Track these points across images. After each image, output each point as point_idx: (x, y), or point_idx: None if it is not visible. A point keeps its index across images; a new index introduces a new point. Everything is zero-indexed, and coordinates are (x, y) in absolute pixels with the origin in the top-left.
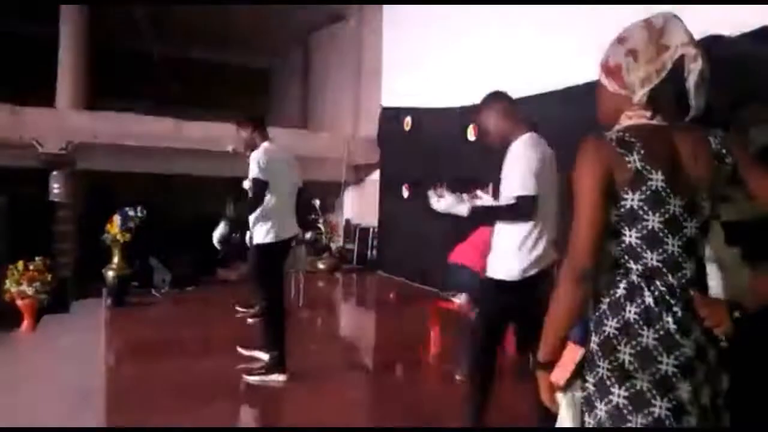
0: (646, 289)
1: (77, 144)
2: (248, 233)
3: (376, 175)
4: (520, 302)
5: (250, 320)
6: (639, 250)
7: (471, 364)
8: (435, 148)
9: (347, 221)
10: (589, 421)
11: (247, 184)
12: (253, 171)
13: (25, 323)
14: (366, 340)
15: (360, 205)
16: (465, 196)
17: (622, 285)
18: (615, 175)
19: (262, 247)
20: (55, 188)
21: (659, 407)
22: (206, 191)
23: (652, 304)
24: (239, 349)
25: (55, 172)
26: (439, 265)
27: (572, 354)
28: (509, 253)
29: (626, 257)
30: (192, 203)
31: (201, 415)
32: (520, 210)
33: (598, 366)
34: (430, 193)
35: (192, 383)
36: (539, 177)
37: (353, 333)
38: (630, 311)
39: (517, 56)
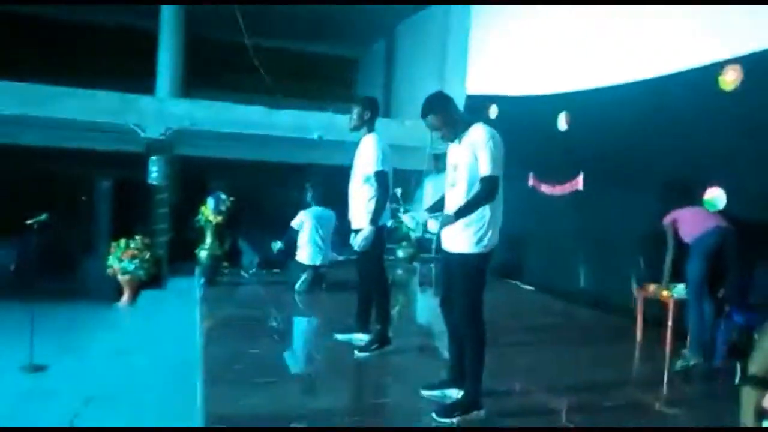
0: None
1: (176, 130)
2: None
3: None
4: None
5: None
6: None
7: (477, 333)
8: (522, 137)
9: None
10: None
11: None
12: (378, 161)
13: (125, 296)
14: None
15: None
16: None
17: None
18: None
19: (378, 231)
20: (154, 172)
21: None
22: (293, 177)
23: None
24: (336, 336)
25: (154, 157)
26: (517, 256)
27: None
28: (482, 228)
29: None
30: (279, 188)
31: (299, 396)
32: (493, 189)
33: None
34: (430, 220)
35: (285, 361)
36: (501, 160)
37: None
38: None
39: (609, 42)
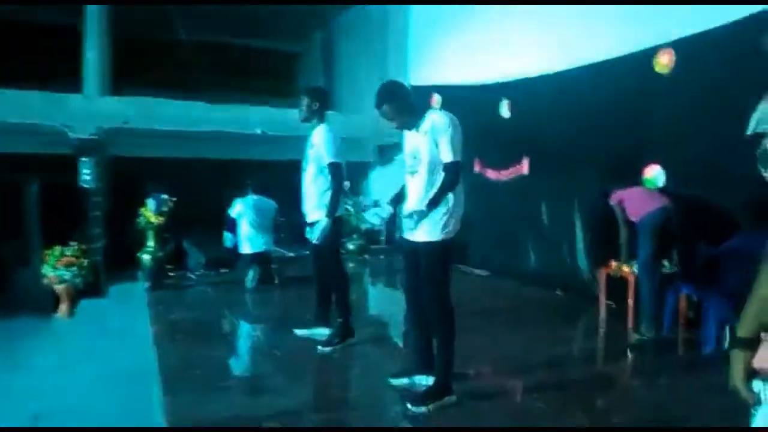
0: None
1: (107, 129)
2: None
3: (402, 154)
4: None
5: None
6: None
7: (446, 319)
8: (466, 124)
9: (375, 202)
10: None
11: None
12: (332, 153)
13: (63, 307)
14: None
15: (387, 186)
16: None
17: None
18: None
19: (336, 222)
20: (85, 174)
21: None
22: (235, 174)
23: None
24: (296, 331)
25: (84, 158)
26: (468, 242)
27: None
28: (445, 215)
29: None
30: (222, 187)
31: (264, 396)
32: (457, 174)
33: None
34: (406, 219)
35: (245, 361)
36: (461, 144)
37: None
38: None
39: (551, 29)
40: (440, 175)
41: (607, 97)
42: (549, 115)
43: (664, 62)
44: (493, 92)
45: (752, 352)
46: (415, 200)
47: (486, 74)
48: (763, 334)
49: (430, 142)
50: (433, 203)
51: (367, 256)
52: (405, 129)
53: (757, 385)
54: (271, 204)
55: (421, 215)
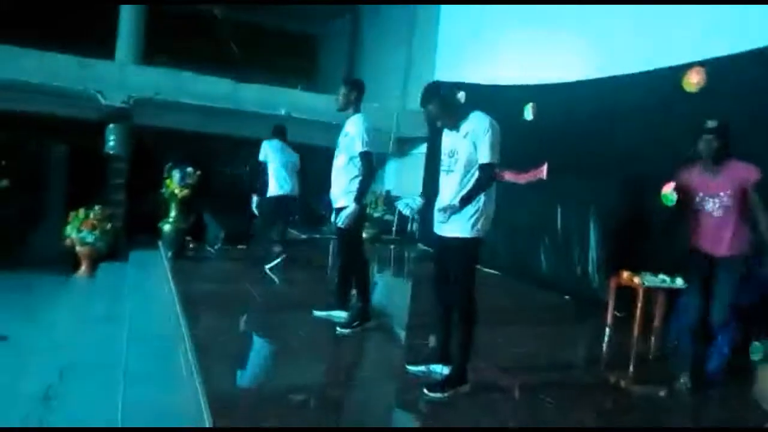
0: None
1: (137, 99)
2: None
3: (420, 148)
4: None
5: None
6: None
7: (470, 312)
8: None
9: (387, 192)
10: None
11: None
12: (365, 142)
13: (83, 268)
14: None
15: (402, 179)
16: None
17: None
18: None
19: (361, 209)
20: (111, 141)
21: None
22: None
23: None
24: (315, 313)
25: (111, 125)
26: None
27: None
28: (475, 214)
29: None
30: (242, 164)
31: (290, 370)
32: (492, 176)
33: None
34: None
35: (269, 337)
36: (498, 147)
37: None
38: None
39: (586, 34)
40: (475, 175)
41: (631, 109)
42: (571, 122)
43: (693, 81)
44: (518, 95)
45: None
46: (448, 197)
47: (513, 76)
48: None
49: (468, 144)
50: (466, 200)
51: (377, 245)
52: (448, 128)
53: None
54: (295, 155)
55: (453, 210)
